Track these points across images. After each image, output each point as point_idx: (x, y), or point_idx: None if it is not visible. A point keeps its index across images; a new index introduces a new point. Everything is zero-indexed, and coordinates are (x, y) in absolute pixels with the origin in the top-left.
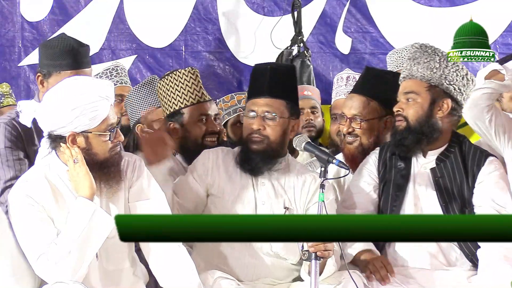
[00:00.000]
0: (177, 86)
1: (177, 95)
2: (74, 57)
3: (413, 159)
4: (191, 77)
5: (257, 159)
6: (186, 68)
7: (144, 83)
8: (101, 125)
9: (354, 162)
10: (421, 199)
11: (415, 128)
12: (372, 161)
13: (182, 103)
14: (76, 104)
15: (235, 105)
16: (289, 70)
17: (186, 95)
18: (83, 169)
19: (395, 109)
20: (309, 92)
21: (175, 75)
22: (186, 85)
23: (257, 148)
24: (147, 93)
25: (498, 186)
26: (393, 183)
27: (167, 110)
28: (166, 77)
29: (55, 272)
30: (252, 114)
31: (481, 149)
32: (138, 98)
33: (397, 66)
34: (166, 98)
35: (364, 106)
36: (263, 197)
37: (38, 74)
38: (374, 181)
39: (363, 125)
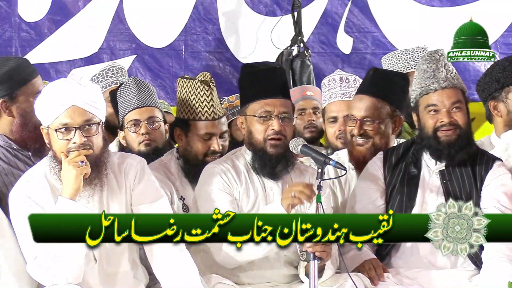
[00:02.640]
0: (192, 96)
1: (190, 105)
2: (23, 71)
3: (423, 164)
4: (206, 90)
5: (277, 163)
6: (205, 76)
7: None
8: None
9: (365, 163)
10: (430, 203)
11: (466, 135)
12: (377, 166)
13: (191, 115)
14: None
15: (232, 109)
16: (284, 69)
17: (197, 109)
18: (80, 172)
19: (446, 119)
20: (311, 93)
21: (193, 83)
22: (199, 98)
23: (276, 152)
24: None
25: (504, 189)
26: (404, 189)
27: (179, 114)
28: (186, 80)
29: (47, 276)
30: (266, 115)
31: (488, 153)
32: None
33: (392, 68)
34: (180, 101)
35: (375, 108)
36: (272, 202)
37: (3, 100)
38: (381, 187)
39: (375, 127)
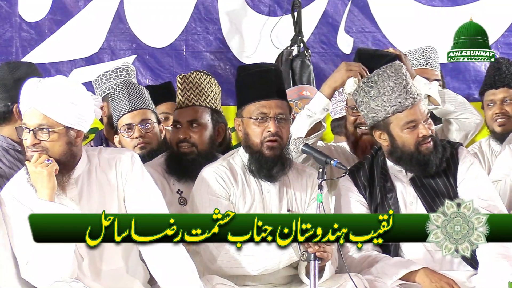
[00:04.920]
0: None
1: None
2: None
3: (394, 178)
4: (179, 82)
5: (274, 165)
6: (188, 73)
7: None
8: None
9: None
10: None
11: (438, 141)
12: (353, 189)
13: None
14: None
15: None
16: (280, 70)
17: (177, 101)
18: (51, 170)
19: (425, 132)
20: (307, 92)
21: (179, 78)
22: (177, 90)
23: (273, 154)
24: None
25: (479, 181)
26: (387, 210)
27: None
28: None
29: (40, 279)
30: (262, 117)
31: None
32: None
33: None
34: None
35: None
36: (270, 205)
37: (17, 104)
38: (365, 206)
39: None
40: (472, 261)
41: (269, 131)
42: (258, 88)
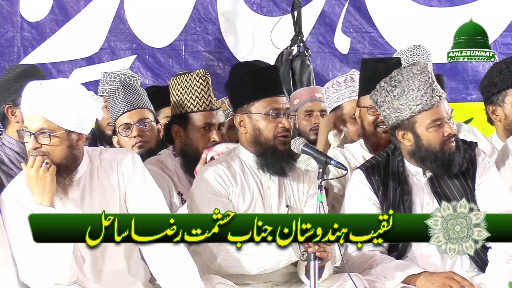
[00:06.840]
0: (187, 89)
1: (186, 98)
2: (26, 77)
3: (411, 179)
4: (201, 83)
5: (287, 159)
6: (199, 71)
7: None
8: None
9: None
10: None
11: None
12: (365, 187)
13: (189, 108)
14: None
15: (227, 110)
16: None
17: (194, 101)
18: (53, 174)
19: (450, 130)
20: (320, 95)
21: (187, 77)
22: (196, 90)
23: (286, 149)
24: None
25: (498, 185)
26: (402, 211)
27: (175, 110)
28: (179, 76)
29: (40, 282)
30: (276, 112)
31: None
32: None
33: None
34: (175, 99)
35: None
36: (269, 201)
37: (8, 105)
38: (377, 208)
39: None
40: (479, 260)
41: (283, 126)
42: (268, 84)
